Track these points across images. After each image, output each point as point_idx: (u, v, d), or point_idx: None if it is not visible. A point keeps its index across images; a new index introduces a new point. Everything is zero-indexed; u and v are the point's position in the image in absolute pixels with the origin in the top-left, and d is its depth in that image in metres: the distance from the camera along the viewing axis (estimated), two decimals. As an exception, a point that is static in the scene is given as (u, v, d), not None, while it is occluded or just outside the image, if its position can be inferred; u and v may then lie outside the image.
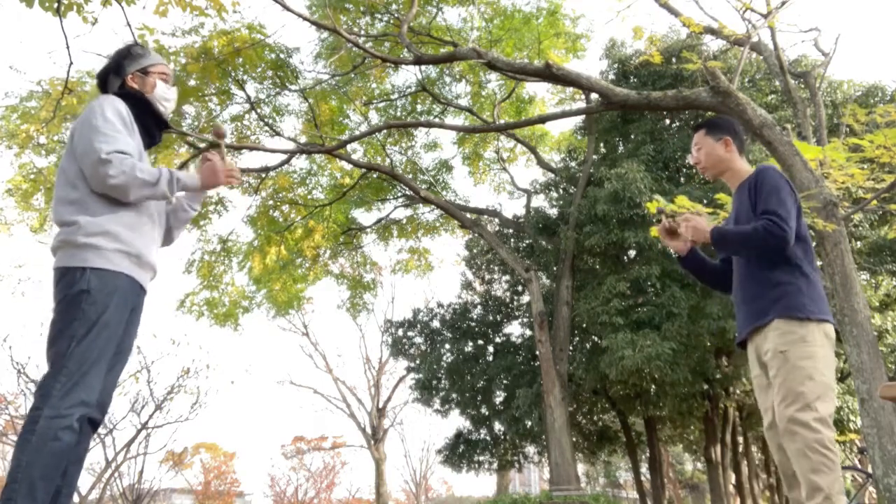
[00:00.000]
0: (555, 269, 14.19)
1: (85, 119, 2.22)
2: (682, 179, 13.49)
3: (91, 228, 2.13)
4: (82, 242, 2.11)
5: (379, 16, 12.24)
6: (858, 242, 11.91)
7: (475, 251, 17.54)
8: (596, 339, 12.89)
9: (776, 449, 2.48)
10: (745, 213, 2.59)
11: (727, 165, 2.77)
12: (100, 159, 2.10)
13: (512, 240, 15.93)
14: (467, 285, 17.89)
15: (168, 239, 2.59)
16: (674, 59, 13.24)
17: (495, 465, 16.49)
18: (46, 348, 2.07)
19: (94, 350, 2.04)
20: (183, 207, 2.58)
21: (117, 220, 2.17)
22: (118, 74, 2.44)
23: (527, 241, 15.43)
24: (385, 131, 13.90)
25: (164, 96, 2.49)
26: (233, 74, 11.35)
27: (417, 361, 16.90)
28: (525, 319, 16.32)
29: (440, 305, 17.35)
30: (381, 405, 26.53)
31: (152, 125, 2.44)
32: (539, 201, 15.73)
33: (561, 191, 15.17)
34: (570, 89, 14.99)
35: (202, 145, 11.17)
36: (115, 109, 2.25)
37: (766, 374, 2.51)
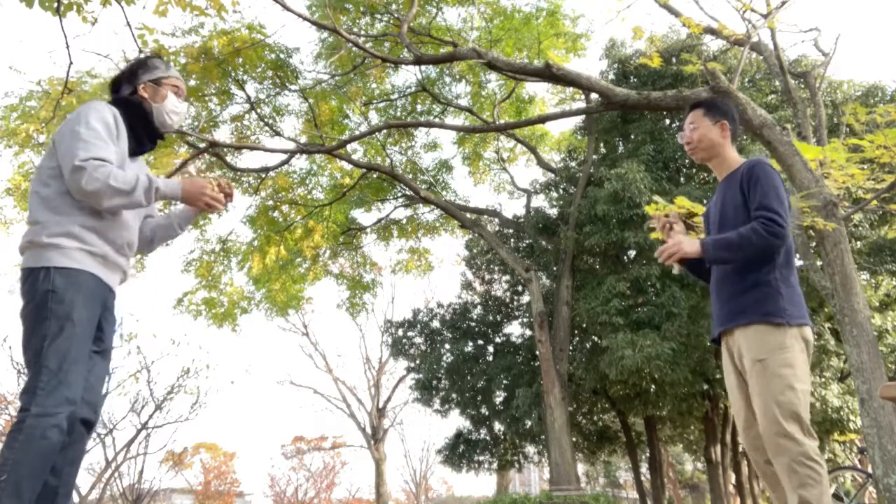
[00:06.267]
0: (555, 269, 14.18)
1: (69, 124, 2.22)
2: (682, 179, 13.49)
3: (54, 228, 2.13)
4: (45, 242, 2.12)
5: (379, 16, 12.22)
6: (858, 242, 11.90)
7: (475, 251, 17.53)
8: (596, 339, 12.88)
9: (752, 448, 2.50)
10: (735, 206, 2.54)
11: (718, 151, 2.70)
12: (74, 166, 2.10)
13: (512, 240, 15.92)
14: (467, 285, 17.90)
15: (148, 247, 2.59)
16: (674, 60, 13.24)
17: (495, 465, 16.48)
18: (23, 351, 2.07)
19: (69, 347, 2.03)
20: (173, 226, 2.58)
21: (82, 221, 2.17)
22: (131, 82, 2.47)
23: (527, 241, 15.42)
24: (385, 131, 13.89)
25: (174, 109, 2.49)
26: (233, 74, 11.35)
27: (417, 361, 16.90)
28: (525, 319, 16.32)
29: (440, 305, 17.38)
30: (381, 405, 26.55)
31: (143, 133, 2.44)
32: (539, 201, 15.75)
33: (561, 191, 15.16)
34: (570, 89, 14.98)
35: (202, 145, 11.17)
36: (99, 116, 2.25)
37: (737, 374, 2.52)
